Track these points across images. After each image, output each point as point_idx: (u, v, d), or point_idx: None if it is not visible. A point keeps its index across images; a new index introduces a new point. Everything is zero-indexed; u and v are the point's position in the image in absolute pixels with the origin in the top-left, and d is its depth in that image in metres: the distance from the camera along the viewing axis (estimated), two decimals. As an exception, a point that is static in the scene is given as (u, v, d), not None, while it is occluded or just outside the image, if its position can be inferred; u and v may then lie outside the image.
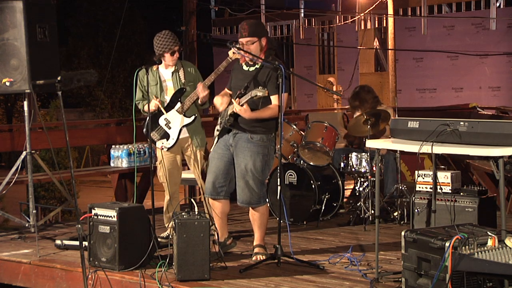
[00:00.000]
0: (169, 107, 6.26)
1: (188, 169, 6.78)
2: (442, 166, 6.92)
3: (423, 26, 19.32)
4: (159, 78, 6.28)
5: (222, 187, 5.73)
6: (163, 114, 6.25)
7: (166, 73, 6.30)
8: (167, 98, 6.28)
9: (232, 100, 5.58)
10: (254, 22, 5.71)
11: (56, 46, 6.71)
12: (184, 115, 6.24)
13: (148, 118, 6.30)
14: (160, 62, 6.20)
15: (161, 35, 6.20)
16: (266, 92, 5.45)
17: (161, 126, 6.28)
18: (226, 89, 5.88)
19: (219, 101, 5.77)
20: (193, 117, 6.25)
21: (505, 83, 18.37)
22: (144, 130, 6.36)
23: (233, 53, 5.78)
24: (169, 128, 6.26)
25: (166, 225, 6.42)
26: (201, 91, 6.09)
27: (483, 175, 7.84)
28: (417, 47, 18.83)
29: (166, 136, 6.28)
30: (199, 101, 6.19)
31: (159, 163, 6.36)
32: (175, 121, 6.25)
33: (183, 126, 6.26)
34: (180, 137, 6.28)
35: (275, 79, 5.50)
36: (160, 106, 6.21)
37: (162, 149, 6.31)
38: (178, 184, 6.46)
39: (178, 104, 6.23)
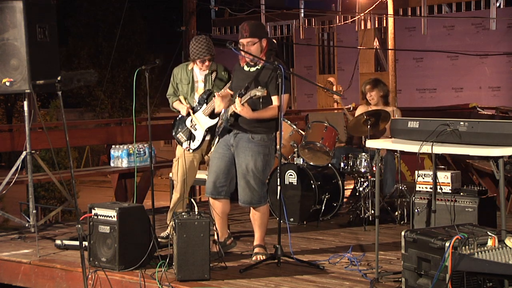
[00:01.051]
0: (196, 109, 6.28)
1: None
2: (442, 166, 6.92)
3: (423, 26, 19.32)
4: (192, 78, 6.32)
5: (222, 187, 5.73)
6: (190, 115, 6.31)
7: (199, 74, 6.33)
8: (197, 99, 6.31)
9: (236, 98, 5.57)
10: (255, 23, 5.71)
11: (56, 46, 6.71)
12: (209, 117, 6.25)
13: (177, 118, 6.41)
14: (193, 60, 6.22)
15: (195, 41, 6.20)
16: (265, 92, 5.44)
17: (187, 127, 6.32)
18: (227, 90, 5.89)
19: (218, 103, 5.76)
20: (217, 119, 6.24)
21: (505, 83, 18.36)
22: (173, 131, 6.43)
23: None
24: (195, 129, 6.29)
25: (169, 222, 6.43)
26: (218, 106, 5.85)
27: (483, 175, 7.84)
28: (417, 47, 18.83)
29: (191, 137, 6.32)
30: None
31: (176, 160, 6.38)
32: (200, 123, 6.27)
33: (208, 128, 6.27)
34: (206, 138, 6.31)
35: (276, 80, 5.50)
36: (191, 112, 6.27)
37: (188, 150, 6.32)
38: (189, 185, 6.47)
39: (204, 106, 6.26)
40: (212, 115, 6.24)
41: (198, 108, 6.30)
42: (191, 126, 6.32)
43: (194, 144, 6.32)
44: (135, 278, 5.31)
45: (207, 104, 6.26)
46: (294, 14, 22.09)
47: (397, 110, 7.76)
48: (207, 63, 6.23)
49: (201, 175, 6.86)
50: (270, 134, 5.67)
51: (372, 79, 7.97)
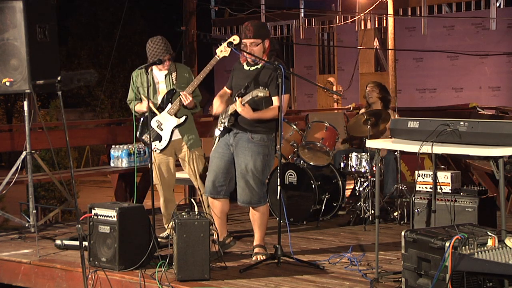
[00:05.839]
0: (160, 109, 6.24)
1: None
2: (442, 166, 6.93)
3: (423, 26, 19.31)
4: (153, 80, 6.26)
5: (222, 186, 5.73)
6: (155, 116, 6.24)
7: (159, 75, 6.29)
8: (160, 99, 6.27)
9: (236, 98, 5.57)
10: (258, 23, 5.70)
11: (56, 46, 6.71)
12: (175, 116, 6.22)
13: (141, 121, 6.32)
14: (160, 62, 6.17)
15: (152, 42, 6.16)
16: (267, 93, 5.44)
17: (153, 128, 6.26)
18: (225, 88, 5.88)
19: (217, 103, 5.76)
20: (184, 118, 6.21)
21: (505, 83, 18.36)
22: (138, 133, 6.36)
23: (221, 51, 5.75)
24: (161, 129, 6.24)
25: (166, 226, 6.42)
26: (184, 100, 6.03)
27: (483, 175, 7.84)
28: (417, 47, 18.82)
29: (158, 138, 6.26)
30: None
31: (153, 164, 6.34)
32: (166, 123, 6.23)
33: (175, 127, 6.24)
34: (173, 138, 6.26)
35: (276, 80, 5.49)
36: (152, 107, 6.18)
37: (155, 151, 6.29)
38: (171, 187, 6.42)
39: (169, 106, 6.22)
40: (179, 114, 6.20)
41: (163, 108, 6.22)
42: (157, 127, 6.26)
43: (161, 144, 6.26)
44: (135, 278, 5.31)
45: (171, 103, 6.22)
46: (294, 14, 22.09)
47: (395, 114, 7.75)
48: (167, 62, 6.19)
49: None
50: (270, 134, 5.66)
51: (376, 82, 8.13)
